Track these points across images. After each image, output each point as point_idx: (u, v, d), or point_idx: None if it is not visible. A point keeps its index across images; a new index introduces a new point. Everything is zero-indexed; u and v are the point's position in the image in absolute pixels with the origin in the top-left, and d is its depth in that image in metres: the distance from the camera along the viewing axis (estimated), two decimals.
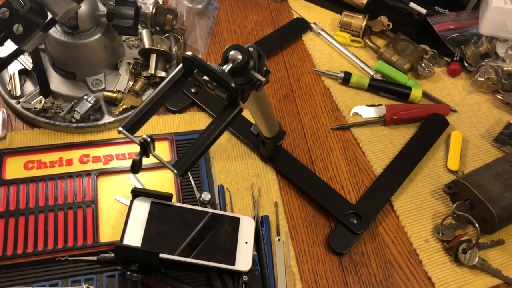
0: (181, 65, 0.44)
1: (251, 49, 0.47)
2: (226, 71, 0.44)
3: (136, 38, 0.90)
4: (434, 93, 0.94)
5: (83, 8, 0.75)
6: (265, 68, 0.47)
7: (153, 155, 0.38)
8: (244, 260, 0.68)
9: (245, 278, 0.67)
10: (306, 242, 0.74)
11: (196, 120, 0.85)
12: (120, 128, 0.39)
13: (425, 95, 0.94)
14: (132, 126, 0.40)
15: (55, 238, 0.69)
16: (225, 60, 0.45)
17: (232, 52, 0.45)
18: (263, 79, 0.46)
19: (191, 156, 0.41)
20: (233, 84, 0.41)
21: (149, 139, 0.37)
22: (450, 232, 0.76)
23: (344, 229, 0.74)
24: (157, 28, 0.92)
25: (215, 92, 0.44)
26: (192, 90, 0.87)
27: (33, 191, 0.72)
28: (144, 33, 0.89)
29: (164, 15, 0.90)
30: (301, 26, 1.02)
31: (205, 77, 0.43)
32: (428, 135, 0.87)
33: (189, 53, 0.41)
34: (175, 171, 0.38)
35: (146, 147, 0.37)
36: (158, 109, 0.43)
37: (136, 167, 0.37)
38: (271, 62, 0.96)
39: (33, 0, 0.65)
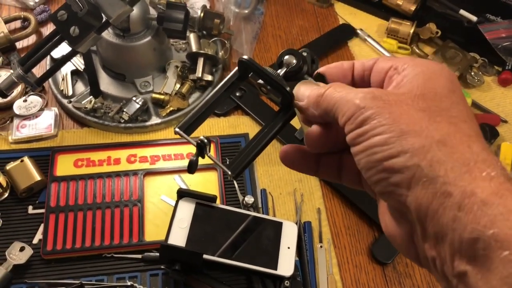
0: (236, 68, 0.45)
1: (304, 53, 0.47)
2: (280, 75, 0.44)
3: (184, 41, 0.92)
4: (483, 103, 0.92)
5: (135, 11, 0.77)
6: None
7: (209, 156, 0.39)
8: (286, 265, 0.68)
9: (287, 283, 0.67)
10: (349, 250, 0.73)
11: (240, 124, 0.86)
12: (177, 129, 0.40)
13: (474, 104, 0.91)
14: (188, 127, 0.40)
15: (102, 235, 0.70)
16: (280, 64, 0.46)
17: (287, 57, 0.45)
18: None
19: (244, 158, 0.41)
20: (288, 88, 0.41)
21: (205, 140, 0.37)
22: None
23: None
24: (204, 32, 0.94)
25: (268, 95, 0.45)
26: (237, 94, 0.87)
27: (82, 188, 0.74)
28: (192, 37, 0.90)
29: (211, 19, 0.92)
30: (347, 32, 1.01)
31: (260, 81, 0.44)
32: None
33: (245, 56, 0.42)
34: (229, 172, 0.38)
35: (202, 148, 0.37)
36: (212, 112, 0.43)
37: (193, 167, 0.38)
38: None
39: (90, 3, 0.68)
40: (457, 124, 0.29)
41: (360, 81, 0.36)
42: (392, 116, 0.29)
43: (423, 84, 0.30)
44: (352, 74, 0.37)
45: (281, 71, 0.44)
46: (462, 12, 0.98)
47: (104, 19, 0.70)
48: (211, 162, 0.78)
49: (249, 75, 0.44)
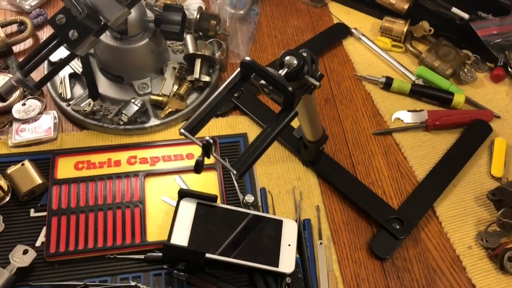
0: (238, 69, 0.46)
1: (304, 54, 0.48)
2: (282, 75, 0.45)
3: (181, 43, 0.92)
4: (476, 99, 0.93)
5: (133, 14, 0.78)
6: (319, 73, 0.48)
7: (214, 156, 0.40)
8: (287, 262, 0.69)
9: (288, 280, 0.68)
10: (348, 246, 0.74)
11: (238, 124, 0.87)
12: (182, 130, 0.41)
13: (468, 100, 0.93)
14: (193, 128, 0.41)
15: (105, 237, 0.71)
16: (281, 65, 0.47)
17: (287, 58, 0.46)
18: (317, 83, 0.47)
19: (249, 157, 0.42)
20: (290, 89, 0.42)
21: (211, 141, 0.38)
22: (495, 240, 0.75)
23: (387, 234, 0.74)
24: (201, 33, 0.94)
25: (270, 95, 0.46)
26: (235, 94, 0.88)
27: (83, 190, 0.75)
28: (189, 39, 0.91)
29: (208, 20, 0.92)
30: (342, 31, 1.03)
31: (262, 81, 0.45)
32: (471, 141, 0.86)
33: (248, 58, 0.43)
34: (235, 172, 0.39)
35: (208, 148, 0.38)
36: (216, 113, 0.44)
37: (199, 167, 0.39)
38: None
39: (89, 6, 0.68)
40: None
41: None
42: None
43: None
44: None
45: (282, 72, 0.45)
46: (454, 10, 0.99)
47: (102, 22, 0.71)
48: (211, 162, 0.79)
49: (251, 76, 0.45)
